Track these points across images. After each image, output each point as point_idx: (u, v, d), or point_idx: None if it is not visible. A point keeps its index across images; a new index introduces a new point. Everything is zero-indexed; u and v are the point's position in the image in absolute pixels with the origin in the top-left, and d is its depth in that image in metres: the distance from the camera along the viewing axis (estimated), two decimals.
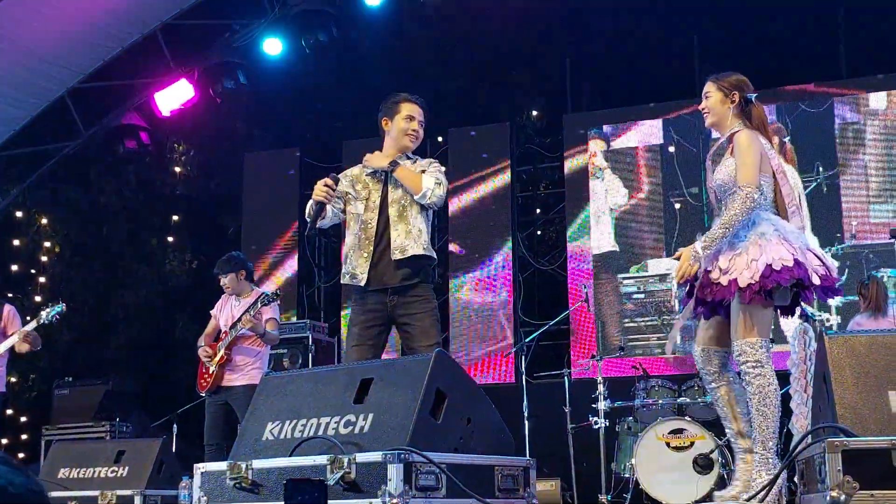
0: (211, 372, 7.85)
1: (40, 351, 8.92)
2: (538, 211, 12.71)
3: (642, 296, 11.59)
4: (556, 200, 12.35)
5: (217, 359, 7.81)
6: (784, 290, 4.82)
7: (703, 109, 5.30)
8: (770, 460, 4.79)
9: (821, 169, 10.93)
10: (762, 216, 4.95)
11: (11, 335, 8.41)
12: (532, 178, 12.80)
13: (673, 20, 11.37)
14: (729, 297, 4.80)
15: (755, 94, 5.23)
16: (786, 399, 7.43)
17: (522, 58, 12.15)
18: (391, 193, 5.77)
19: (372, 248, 5.67)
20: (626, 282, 11.69)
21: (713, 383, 5.09)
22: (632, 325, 11.47)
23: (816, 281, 4.80)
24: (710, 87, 5.25)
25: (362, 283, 5.63)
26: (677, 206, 11.61)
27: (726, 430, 5.12)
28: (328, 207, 5.72)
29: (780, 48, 11.10)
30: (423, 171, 5.82)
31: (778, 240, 4.81)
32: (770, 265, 4.72)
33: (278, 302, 7.94)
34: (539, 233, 12.70)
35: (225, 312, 8.09)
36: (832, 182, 11.01)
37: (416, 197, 5.72)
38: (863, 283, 8.61)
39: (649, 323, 11.41)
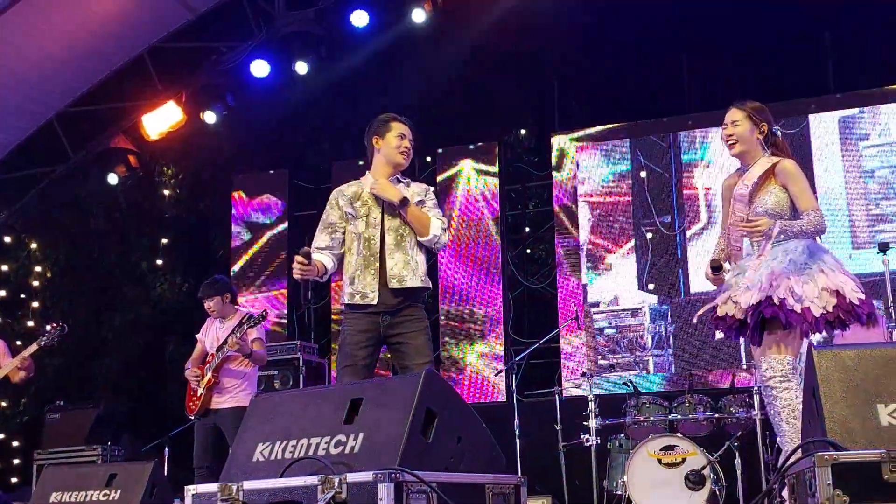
0: (199, 395, 7.88)
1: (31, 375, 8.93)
2: (527, 229, 12.71)
3: (614, 331, 11.42)
4: (546, 218, 12.35)
5: (205, 381, 7.85)
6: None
7: (729, 136, 5.32)
8: None
9: None
10: (817, 245, 5.10)
11: (6, 365, 8.44)
12: (521, 197, 12.81)
13: (661, 39, 11.38)
14: (805, 326, 4.87)
15: (779, 128, 5.31)
16: None
17: (510, 77, 12.16)
18: (388, 220, 5.80)
19: (378, 266, 5.70)
20: (597, 316, 11.53)
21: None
22: (603, 362, 11.29)
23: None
24: (737, 115, 5.30)
25: (374, 302, 5.66)
26: (649, 235, 11.53)
27: None
28: (327, 261, 5.79)
29: (767, 67, 11.10)
30: (422, 202, 5.88)
31: (840, 270, 4.98)
32: (847, 298, 4.85)
33: (265, 322, 7.98)
34: (528, 251, 12.70)
35: (210, 335, 8.13)
36: None
37: (421, 239, 5.79)
38: None
39: (621, 360, 11.23)
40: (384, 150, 5.90)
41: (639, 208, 11.58)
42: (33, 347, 8.46)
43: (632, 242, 11.54)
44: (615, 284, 11.52)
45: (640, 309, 11.29)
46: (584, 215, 11.73)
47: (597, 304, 11.52)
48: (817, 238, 5.18)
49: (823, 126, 11.01)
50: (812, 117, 11.03)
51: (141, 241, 13.72)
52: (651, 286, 11.37)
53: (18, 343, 9.23)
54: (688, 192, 11.41)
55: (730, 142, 5.32)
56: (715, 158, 11.22)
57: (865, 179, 10.80)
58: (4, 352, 8.66)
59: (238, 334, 7.74)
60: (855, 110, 10.93)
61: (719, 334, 5.48)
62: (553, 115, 12.34)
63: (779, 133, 5.33)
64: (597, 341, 11.40)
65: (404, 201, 5.74)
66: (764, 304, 4.97)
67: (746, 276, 5.09)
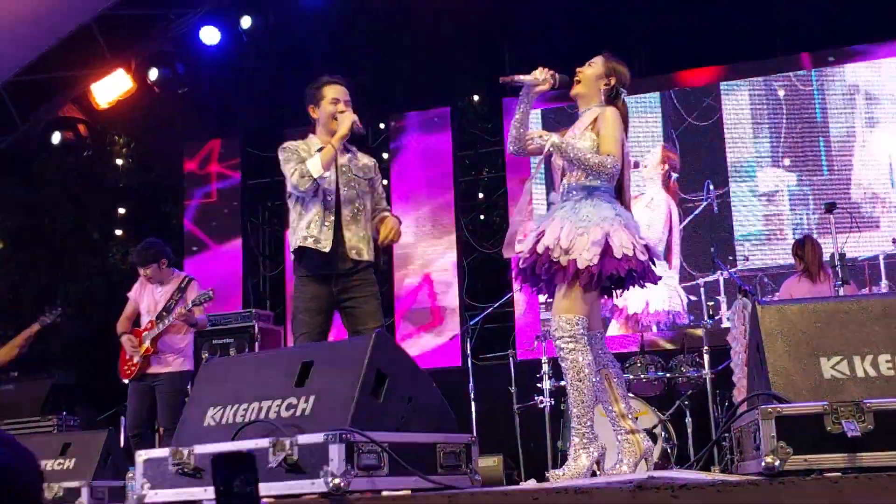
0: (135, 362, 7.87)
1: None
2: (481, 195, 12.73)
3: None
4: (499, 184, 12.37)
5: (142, 350, 7.84)
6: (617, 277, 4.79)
7: (577, 73, 5.20)
8: (586, 435, 4.73)
9: (711, 187, 10.94)
10: (606, 199, 4.92)
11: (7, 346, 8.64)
12: (474, 163, 12.82)
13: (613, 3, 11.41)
14: (565, 281, 4.73)
15: (625, 93, 5.18)
16: (728, 372, 7.56)
17: (462, 41, 12.12)
18: (344, 191, 5.79)
19: (333, 218, 5.70)
20: None
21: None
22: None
23: (652, 269, 4.85)
24: (597, 59, 5.19)
25: (326, 249, 5.66)
26: None
27: (608, 413, 5.00)
28: None
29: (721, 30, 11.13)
30: (370, 180, 5.95)
31: (620, 225, 4.79)
32: (611, 251, 4.70)
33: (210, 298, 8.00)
34: (482, 217, 12.73)
35: (146, 299, 8.09)
36: (724, 200, 11.05)
37: None
38: (798, 244, 8.58)
39: None
40: (321, 119, 5.83)
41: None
42: (35, 327, 8.63)
43: None
44: None
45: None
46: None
47: None
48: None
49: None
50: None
51: (94, 211, 13.61)
52: None
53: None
54: None
55: (576, 77, 5.19)
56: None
57: None
58: None
59: (185, 307, 7.77)
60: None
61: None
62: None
63: (623, 94, 5.16)
64: None
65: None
66: (530, 250, 4.88)
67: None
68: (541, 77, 5.11)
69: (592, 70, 5.15)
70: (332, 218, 5.71)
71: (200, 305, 7.86)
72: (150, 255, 8.05)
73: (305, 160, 5.72)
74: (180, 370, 7.95)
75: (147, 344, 7.86)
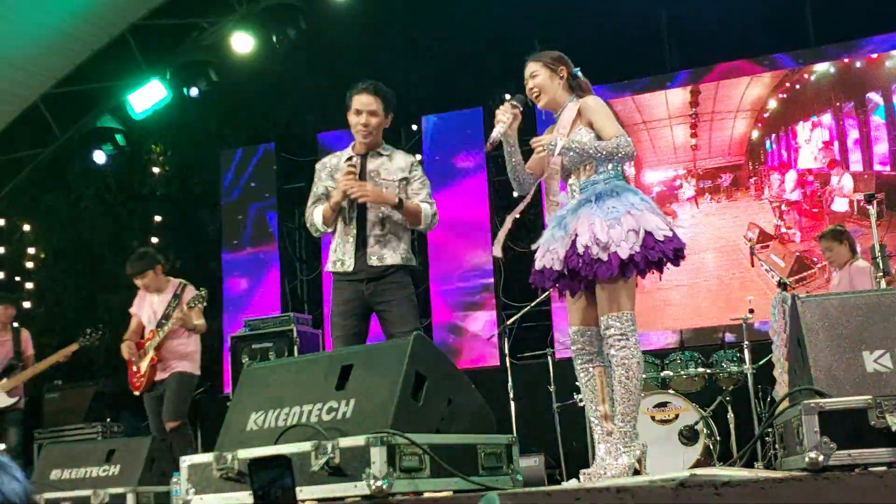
0: (143, 372, 7.90)
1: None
2: (515, 194, 12.68)
3: None
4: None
5: (147, 359, 7.87)
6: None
7: (531, 90, 5.08)
8: (628, 434, 4.65)
9: None
10: (624, 186, 4.83)
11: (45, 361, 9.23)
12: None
13: None
14: (613, 272, 4.60)
15: (579, 69, 5.10)
16: (769, 367, 7.51)
17: (492, 41, 12.11)
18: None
19: (355, 232, 5.70)
20: None
21: (589, 364, 4.86)
22: None
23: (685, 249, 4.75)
24: (533, 66, 5.07)
25: (350, 269, 5.67)
26: None
27: (591, 413, 4.88)
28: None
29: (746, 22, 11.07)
30: (406, 180, 5.82)
31: (648, 209, 4.72)
32: (652, 234, 4.62)
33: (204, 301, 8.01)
34: (517, 215, 12.68)
35: (146, 311, 8.12)
36: None
37: (415, 228, 5.83)
38: (842, 232, 8.53)
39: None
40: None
41: None
42: (73, 347, 8.80)
43: None
44: None
45: None
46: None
47: None
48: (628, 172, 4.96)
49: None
50: None
51: (132, 220, 13.71)
52: None
53: (15, 325, 9.36)
54: None
55: (534, 94, 5.08)
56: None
57: None
58: (29, 341, 8.97)
59: (181, 311, 7.79)
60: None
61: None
62: None
63: (580, 75, 5.08)
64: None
65: (399, 204, 5.69)
66: (569, 253, 4.74)
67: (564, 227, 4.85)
68: (506, 118, 5.03)
69: (541, 77, 5.05)
70: (354, 231, 5.72)
71: (195, 308, 7.89)
72: (143, 263, 8.07)
73: (320, 198, 5.82)
74: (184, 370, 7.95)
75: (151, 353, 7.89)
